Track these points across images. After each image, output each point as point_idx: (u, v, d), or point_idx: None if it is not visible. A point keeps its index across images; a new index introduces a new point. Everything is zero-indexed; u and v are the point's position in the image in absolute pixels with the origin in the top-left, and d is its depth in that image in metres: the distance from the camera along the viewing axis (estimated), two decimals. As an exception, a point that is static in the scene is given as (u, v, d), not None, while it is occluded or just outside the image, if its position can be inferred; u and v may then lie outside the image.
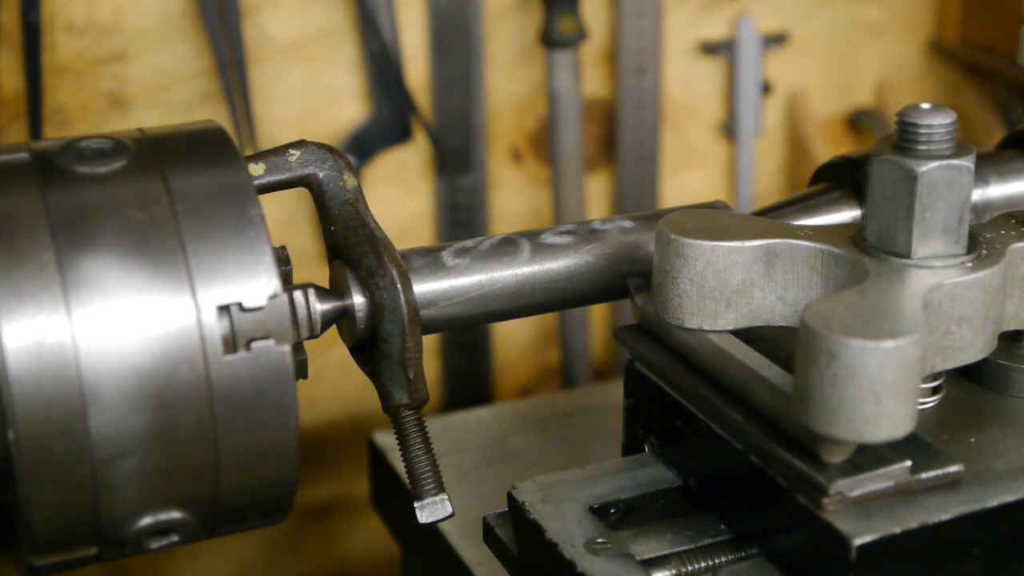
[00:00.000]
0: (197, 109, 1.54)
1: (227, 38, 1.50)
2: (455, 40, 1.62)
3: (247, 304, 0.85)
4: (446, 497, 0.99)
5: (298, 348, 0.94)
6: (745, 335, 0.94)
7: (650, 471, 0.99)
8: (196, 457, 0.86)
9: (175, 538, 0.89)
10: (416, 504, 0.99)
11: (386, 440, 1.41)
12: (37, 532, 0.84)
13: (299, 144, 0.99)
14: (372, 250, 0.97)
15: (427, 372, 1.81)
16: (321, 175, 0.99)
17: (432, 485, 0.99)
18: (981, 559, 0.87)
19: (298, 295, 0.93)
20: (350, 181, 0.99)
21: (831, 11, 1.82)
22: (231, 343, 0.85)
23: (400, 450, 0.99)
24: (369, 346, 0.99)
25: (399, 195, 1.67)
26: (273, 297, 0.86)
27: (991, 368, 0.99)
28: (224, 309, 0.85)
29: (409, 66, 1.62)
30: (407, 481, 0.99)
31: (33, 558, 0.86)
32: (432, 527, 1.27)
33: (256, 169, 0.96)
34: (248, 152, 1.54)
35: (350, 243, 0.98)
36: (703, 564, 0.91)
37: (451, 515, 0.99)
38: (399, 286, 0.96)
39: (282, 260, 0.95)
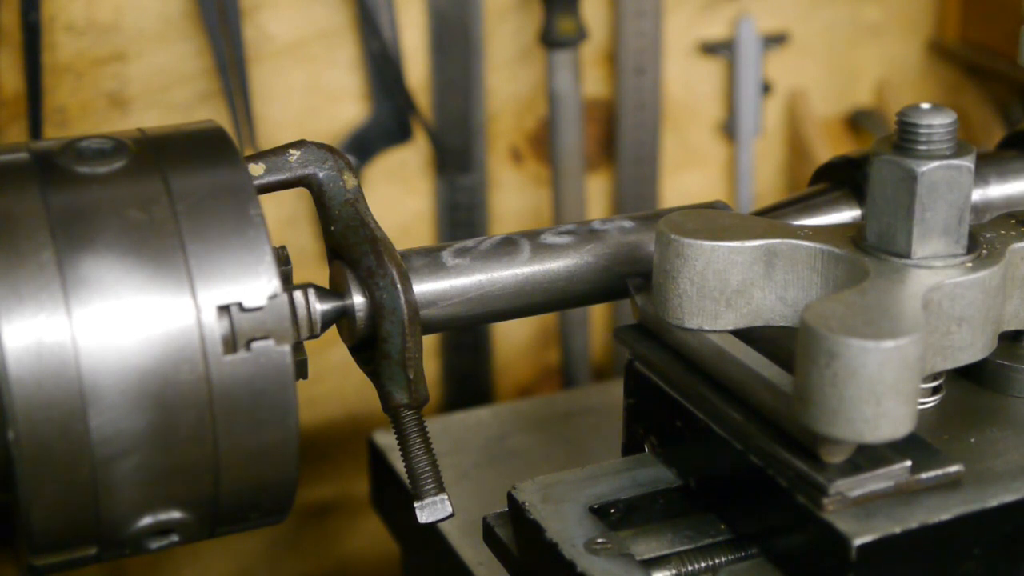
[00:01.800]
0: (197, 109, 1.54)
1: (227, 38, 1.50)
2: (455, 40, 1.62)
3: (247, 304, 0.85)
4: (446, 497, 0.99)
5: (298, 348, 0.94)
6: (745, 335, 0.94)
7: (650, 471, 0.99)
8: (196, 457, 0.86)
9: (175, 538, 0.89)
10: (416, 504, 0.98)
11: (386, 440, 1.41)
12: (37, 532, 0.84)
13: (299, 144, 0.99)
14: (372, 250, 0.97)
15: (427, 372, 1.80)
16: (321, 175, 0.99)
17: (432, 485, 0.98)
18: (981, 559, 0.87)
19: (298, 295, 0.93)
20: (350, 181, 0.99)
21: (831, 11, 1.82)
22: (231, 343, 0.85)
23: (400, 450, 0.99)
24: (369, 346, 0.99)
25: (399, 195, 1.67)
26: (273, 297, 0.86)
27: (991, 368, 0.99)
28: (224, 309, 0.85)
29: (409, 66, 1.62)
30: (407, 481, 0.99)
31: (33, 558, 0.86)
32: (432, 527, 1.27)
33: (256, 169, 0.96)
34: (248, 152, 1.54)
35: (350, 243, 0.98)
36: (703, 564, 0.91)
37: (451, 515, 0.99)
38: (399, 286, 0.96)
39: (282, 260, 0.95)
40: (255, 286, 0.86)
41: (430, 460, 0.99)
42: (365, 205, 0.99)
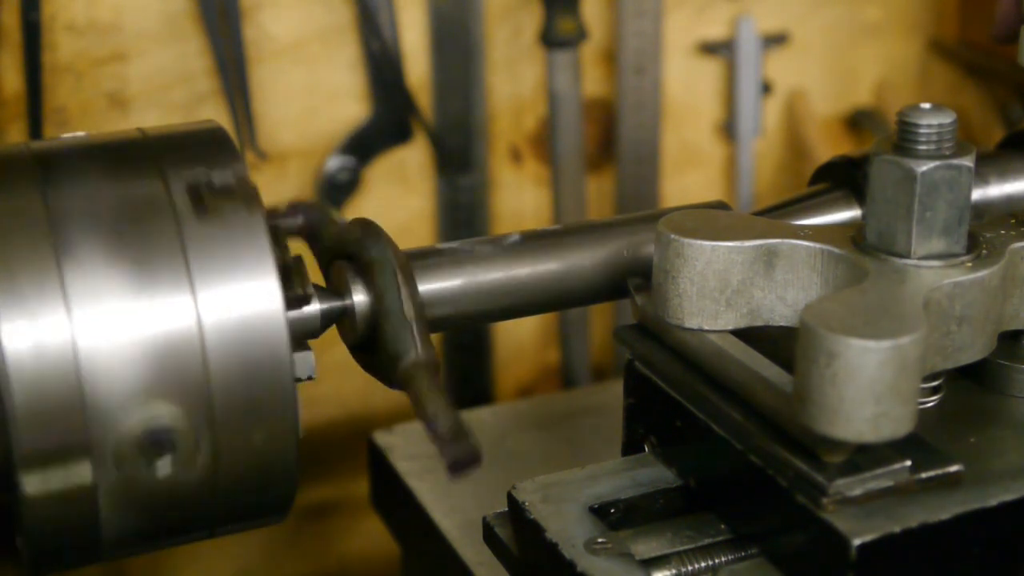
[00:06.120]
0: (197, 109, 1.54)
1: (227, 38, 1.50)
2: (455, 40, 1.62)
3: (216, 182, 0.87)
4: (473, 440, 0.89)
5: (304, 347, 0.94)
6: (745, 335, 0.94)
7: (650, 471, 0.99)
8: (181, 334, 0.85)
9: (169, 457, 0.86)
10: (445, 455, 0.87)
11: (386, 440, 1.41)
12: (34, 547, 0.84)
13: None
14: (360, 224, 0.97)
15: (427, 372, 1.79)
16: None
17: (457, 431, 0.88)
18: (981, 559, 0.87)
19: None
20: (335, 213, 1.01)
21: (831, 11, 1.82)
22: (202, 209, 0.86)
23: (416, 411, 0.90)
24: (370, 345, 0.99)
25: (399, 195, 1.67)
26: (241, 176, 0.87)
27: (991, 368, 0.99)
28: (194, 187, 0.86)
29: (409, 66, 1.62)
30: (429, 437, 0.89)
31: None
32: (432, 527, 1.28)
33: None
34: (248, 152, 1.54)
35: (342, 239, 0.98)
36: (703, 564, 0.91)
37: (479, 460, 0.88)
38: (383, 238, 0.96)
39: (302, 275, 0.95)
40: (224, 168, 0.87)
41: (451, 412, 0.89)
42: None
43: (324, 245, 1.00)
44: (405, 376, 0.93)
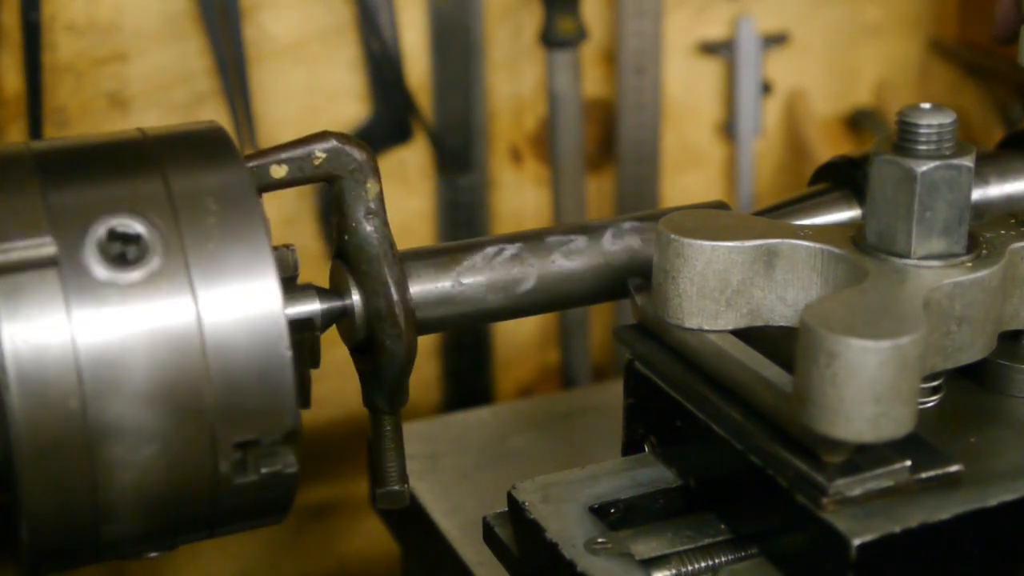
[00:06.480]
0: (197, 109, 1.54)
1: (227, 38, 1.50)
2: (455, 40, 1.62)
3: (265, 441, 0.86)
4: (406, 488, 1.03)
5: (305, 373, 0.94)
6: (745, 335, 0.94)
7: (650, 471, 0.99)
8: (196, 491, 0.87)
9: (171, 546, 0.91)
10: (377, 490, 1.03)
11: (386, 440, 1.40)
12: (34, 546, 0.84)
13: (323, 138, 0.97)
14: (384, 293, 0.97)
15: (427, 372, 1.81)
16: (344, 179, 0.98)
17: (396, 477, 1.03)
18: (981, 559, 0.87)
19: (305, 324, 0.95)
20: (372, 189, 0.99)
21: (831, 11, 1.82)
22: (243, 470, 0.87)
23: (372, 443, 1.03)
24: (366, 349, 0.99)
25: (399, 195, 1.67)
26: (291, 430, 0.87)
27: (991, 368, 0.99)
28: (240, 446, 0.86)
29: (409, 66, 1.62)
30: (374, 470, 1.04)
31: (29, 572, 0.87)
32: (432, 527, 1.28)
33: (278, 171, 0.95)
34: (248, 152, 1.54)
35: (362, 270, 0.98)
36: (703, 564, 0.91)
37: (405, 505, 1.04)
38: (404, 336, 0.97)
39: (289, 265, 0.94)
40: (276, 417, 0.86)
41: (399, 458, 1.03)
42: (384, 219, 0.99)
43: (347, 223, 0.98)
44: (373, 415, 1.03)
